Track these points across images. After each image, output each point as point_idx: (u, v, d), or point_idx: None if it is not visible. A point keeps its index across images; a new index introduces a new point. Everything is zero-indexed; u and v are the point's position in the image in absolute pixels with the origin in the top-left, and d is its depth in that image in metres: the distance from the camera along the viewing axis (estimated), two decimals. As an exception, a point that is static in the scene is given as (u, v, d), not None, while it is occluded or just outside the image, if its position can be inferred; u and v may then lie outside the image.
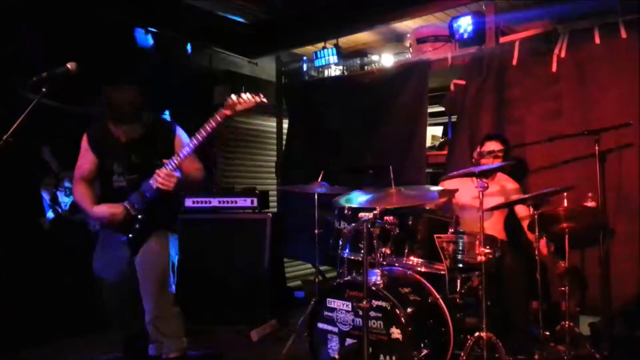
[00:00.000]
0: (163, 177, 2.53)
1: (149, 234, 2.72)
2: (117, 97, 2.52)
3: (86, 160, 2.75)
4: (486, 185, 2.66)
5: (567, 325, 2.91)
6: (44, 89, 2.19)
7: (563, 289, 2.95)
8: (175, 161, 2.57)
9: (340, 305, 2.75)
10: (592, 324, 3.34)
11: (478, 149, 3.41)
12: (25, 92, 2.24)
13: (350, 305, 2.70)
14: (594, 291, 3.37)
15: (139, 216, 2.66)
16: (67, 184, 3.77)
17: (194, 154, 2.68)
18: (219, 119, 2.59)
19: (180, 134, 2.80)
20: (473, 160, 3.45)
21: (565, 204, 2.94)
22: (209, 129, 2.57)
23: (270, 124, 5.79)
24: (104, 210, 2.66)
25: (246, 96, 2.62)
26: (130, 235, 2.69)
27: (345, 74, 5.21)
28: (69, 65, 2.25)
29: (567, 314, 2.93)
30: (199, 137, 2.58)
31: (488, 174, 3.00)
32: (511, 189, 3.41)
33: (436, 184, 3.65)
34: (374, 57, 5.20)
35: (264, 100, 2.67)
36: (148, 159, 2.65)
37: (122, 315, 2.84)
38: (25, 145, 2.32)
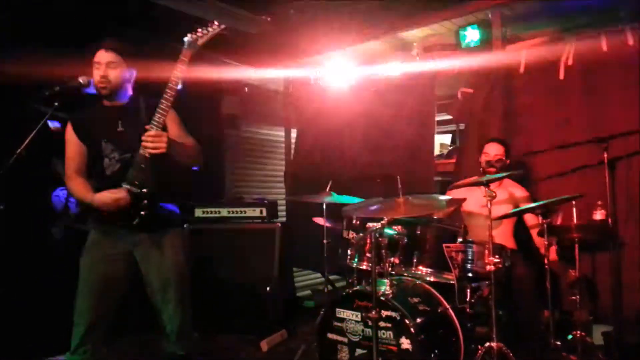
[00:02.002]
0: (152, 139, 2.26)
1: (163, 231, 2.51)
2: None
3: (73, 149, 2.50)
4: (494, 194, 2.66)
5: (578, 335, 2.88)
6: (56, 103, 2.24)
7: (574, 297, 2.93)
8: (158, 118, 2.31)
9: (349, 316, 2.75)
10: (606, 333, 3.30)
11: (482, 156, 3.43)
12: (38, 105, 2.28)
13: (359, 316, 2.70)
14: (606, 300, 3.34)
15: (143, 190, 2.37)
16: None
17: (184, 128, 2.56)
18: (184, 59, 2.39)
19: None
20: (480, 169, 3.45)
21: (574, 213, 2.92)
22: (178, 73, 2.37)
23: (279, 133, 5.82)
24: (106, 196, 2.36)
25: (203, 30, 2.44)
26: (138, 220, 2.39)
27: (353, 83, 5.22)
28: (80, 79, 2.30)
29: (578, 323, 2.91)
30: (171, 84, 2.36)
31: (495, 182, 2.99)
32: (519, 197, 3.40)
33: (445, 192, 3.65)
34: (381, 66, 5.21)
35: (221, 26, 2.46)
36: (136, 131, 2.34)
37: (101, 328, 2.46)
38: (36, 156, 2.36)
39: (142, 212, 2.37)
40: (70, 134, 2.49)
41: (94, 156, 2.47)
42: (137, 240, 2.47)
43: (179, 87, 2.37)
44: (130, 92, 2.52)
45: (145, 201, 2.37)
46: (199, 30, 2.41)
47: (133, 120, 2.39)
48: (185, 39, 2.40)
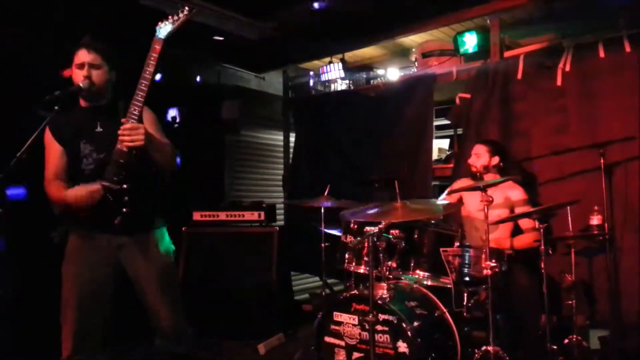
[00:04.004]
0: (129, 132, 2.16)
1: (146, 231, 2.44)
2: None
3: (52, 154, 2.39)
4: (491, 199, 2.68)
5: (575, 339, 2.90)
6: (56, 107, 2.25)
7: (570, 302, 2.94)
8: (134, 110, 2.23)
9: (347, 319, 2.76)
10: (602, 337, 3.32)
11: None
12: (38, 109, 2.30)
13: (357, 319, 2.71)
14: (603, 305, 3.36)
15: (123, 186, 2.24)
16: None
17: (161, 128, 2.48)
18: (157, 47, 2.30)
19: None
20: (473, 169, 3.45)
21: (569, 218, 2.95)
22: (152, 62, 2.28)
23: (278, 137, 5.84)
24: (78, 189, 2.26)
25: (174, 17, 2.33)
26: (120, 218, 2.26)
27: (352, 88, 5.25)
28: (81, 84, 2.31)
29: (575, 327, 2.92)
30: (146, 75, 2.28)
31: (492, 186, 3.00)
32: (517, 200, 3.37)
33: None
34: (380, 72, 5.24)
35: (192, 11, 2.35)
36: (115, 132, 2.23)
37: (93, 337, 2.40)
38: (36, 161, 2.37)
39: (124, 210, 2.25)
40: (48, 138, 2.40)
41: (73, 158, 2.38)
42: (121, 243, 2.39)
43: (156, 77, 2.33)
44: (109, 93, 2.46)
45: (127, 198, 2.25)
46: (170, 17, 2.31)
47: (112, 121, 2.30)
48: (157, 27, 2.31)
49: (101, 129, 2.38)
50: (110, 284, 2.44)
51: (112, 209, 2.24)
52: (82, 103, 2.44)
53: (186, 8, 2.32)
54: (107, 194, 2.23)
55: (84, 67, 2.33)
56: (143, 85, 2.25)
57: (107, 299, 2.43)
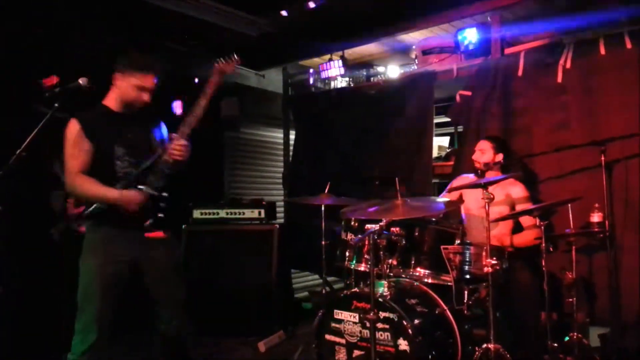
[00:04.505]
0: (181, 148, 2.43)
1: (166, 230, 2.57)
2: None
3: (82, 149, 2.45)
4: (492, 196, 2.67)
5: (575, 337, 2.90)
6: (56, 104, 2.25)
7: (571, 300, 2.94)
8: (185, 129, 2.47)
9: (347, 317, 2.76)
10: (602, 335, 3.32)
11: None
12: (38, 106, 2.29)
13: (357, 317, 2.71)
14: (603, 302, 3.35)
15: (163, 194, 2.48)
16: None
17: None
18: (211, 88, 2.56)
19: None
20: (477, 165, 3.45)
21: (570, 216, 2.94)
22: (210, 91, 2.55)
23: (277, 135, 5.83)
24: (133, 194, 2.41)
25: (230, 59, 2.64)
26: (151, 221, 2.46)
27: (352, 85, 5.24)
28: (80, 81, 2.31)
29: (575, 325, 2.92)
30: (202, 102, 2.53)
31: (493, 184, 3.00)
32: (517, 197, 3.36)
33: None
34: (380, 69, 5.23)
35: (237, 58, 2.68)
36: (146, 138, 2.54)
37: (109, 328, 2.46)
38: (36, 158, 2.36)
39: (160, 215, 2.47)
40: (78, 134, 2.44)
41: (105, 158, 2.47)
42: (144, 241, 2.48)
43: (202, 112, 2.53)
44: None
45: (163, 204, 2.47)
46: (227, 59, 2.61)
47: (141, 129, 2.54)
48: (215, 66, 2.60)
49: (132, 135, 2.52)
50: (126, 280, 2.51)
51: (147, 211, 2.45)
52: (115, 107, 2.53)
53: (236, 56, 2.64)
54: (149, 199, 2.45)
55: (147, 90, 2.48)
56: (199, 110, 2.50)
57: (121, 296, 2.49)
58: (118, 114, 2.52)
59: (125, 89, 2.47)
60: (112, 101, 2.52)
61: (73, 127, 2.43)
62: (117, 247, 2.46)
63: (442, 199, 3.23)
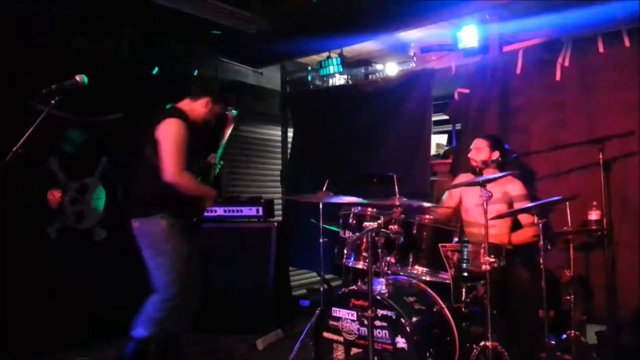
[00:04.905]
0: (216, 162, 3.02)
1: None
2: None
3: (187, 149, 2.72)
4: (490, 194, 2.67)
5: (572, 334, 2.90)
6: (52, 101, 2.24)
7: (568, 297, 2.94)
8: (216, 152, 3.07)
9: (345, 315, 2.75)
10: (599, 332, 3.32)
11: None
12: (34, 103, 2.28)
13: (355, 315, 2.71)
14: (600, 300, 3.36)
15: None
16: (73, 194, 3.82)
17: None
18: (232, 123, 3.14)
19: None
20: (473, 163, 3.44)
21: (568, 213, 2.94)
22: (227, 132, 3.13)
23: (275, 132, 5.82)
24: (215, 192, 2.93)
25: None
26: (198, 218, 2.95)
27: (350, 83, 5.24)
28: (77, 78, 2.29)
29: (572, 322, 2.92)
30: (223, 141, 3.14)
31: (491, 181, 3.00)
32: (515, 195, 3.35)
33: (441, 192, 3.66)
34: (379, 67, 5.23)
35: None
36: (204, 149, 3.04)
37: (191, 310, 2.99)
38: (32, 155, 2.35)
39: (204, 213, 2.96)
40: (185, 135, 2.71)
41: (193, 160, 2.79)
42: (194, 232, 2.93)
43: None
44: None
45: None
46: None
47: (199, 139, 2.89)
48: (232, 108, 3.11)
49: (200, 145, 2.92)
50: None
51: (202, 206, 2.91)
52: (192, 117, 2.86)
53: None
54: None
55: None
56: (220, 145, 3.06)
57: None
58: (196, 126, 2.85)
59: (209, 111, 2.91)
60: (192, 112, 2.86)
61: (182, 128, 2.71)
62: (189, 236, 2.85)
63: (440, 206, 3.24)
